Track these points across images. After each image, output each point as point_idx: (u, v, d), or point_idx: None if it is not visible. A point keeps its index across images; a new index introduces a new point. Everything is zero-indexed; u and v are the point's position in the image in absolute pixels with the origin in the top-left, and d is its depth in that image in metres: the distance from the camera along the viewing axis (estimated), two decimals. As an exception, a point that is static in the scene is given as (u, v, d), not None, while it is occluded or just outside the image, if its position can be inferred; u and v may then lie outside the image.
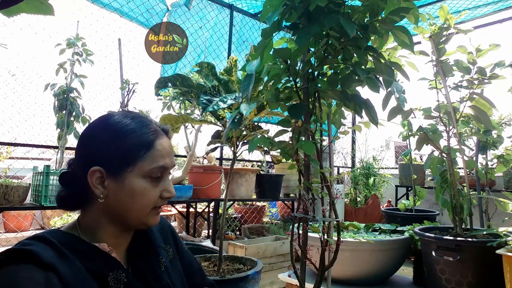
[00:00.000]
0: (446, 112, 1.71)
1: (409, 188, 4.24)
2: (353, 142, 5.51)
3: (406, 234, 1.84)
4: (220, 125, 2.14)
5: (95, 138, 0.79)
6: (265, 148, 2.27)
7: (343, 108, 1.35)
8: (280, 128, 1.26)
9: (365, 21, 1.12)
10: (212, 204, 3.36)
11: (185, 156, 3.40)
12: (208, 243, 2.84)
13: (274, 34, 1.12)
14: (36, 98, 3.12)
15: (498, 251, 1.31)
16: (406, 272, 1.98)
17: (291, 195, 3.82)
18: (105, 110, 3.22)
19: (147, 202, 0.78)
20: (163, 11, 3.69)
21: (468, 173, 1.98)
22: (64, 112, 2.80)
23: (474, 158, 2.66)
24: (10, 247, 0.67)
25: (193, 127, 2.91)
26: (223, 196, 3.11)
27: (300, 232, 1.17)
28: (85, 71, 2.91)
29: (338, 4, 1.08)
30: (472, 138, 2.64)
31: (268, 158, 3.51)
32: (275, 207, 5.03)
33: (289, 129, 1.20)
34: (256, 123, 2.22)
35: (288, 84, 1.23)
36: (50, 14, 1.08)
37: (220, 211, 2.90)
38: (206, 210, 3.65)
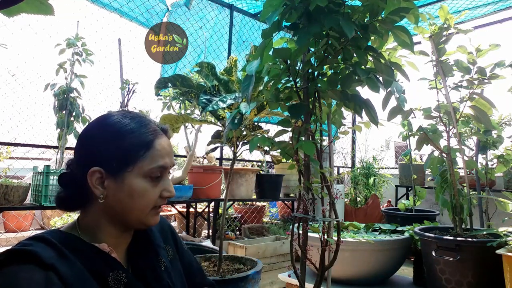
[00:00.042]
0: (446, 112, 1.71)
1: (409, 188, 4.24)
2: (353, 142, 5.51)
3: (406, 234, 1.84)
4: (220, 125, 2.14)
5: (94, 139, 0.79)
6: (265, 148, 2.27)
7: (343, 108, 1.35)
8: (280, 128, 1.26)
9: (365, 21, 1.12)
10: (212, 204, 3.36)
11: (185, 156, 3.40)
12: (208, 243, 2.84)
13: (274, 34, 1.12)
14: (36, 98, 3.13)
15: (498, 251, 1.31)
16: (406, 272, 1.98)
17: (291, 195, 3.82)
18: (105, 110, 3.22)
19: (147, 202, 0.78)
20: (163, 11, 3.69)
21: (468, 173, 1.98)
22: (64, 112, 2.80)
23: (474, 158, 2.66)
24: (10, 247, 0.67)
25: (193, 127, 2.91)
26: (223, 196, 3.11)
27: (300, 232, 1.17)
28: (85, 71, 2.92)
29: (338, 4, 1.08)
30: (472, 138, 2.64)
31: (268, 158, 3.51)
32: (275, 207, 5.03)
33: (289, 129, 1.20)
34: (256, 123, 2.23)
35: (288, 84, 1.23)
36: (50, 14, 1.08)
37: (220, 211, 2.90)
38: (206, 210, 3.65)
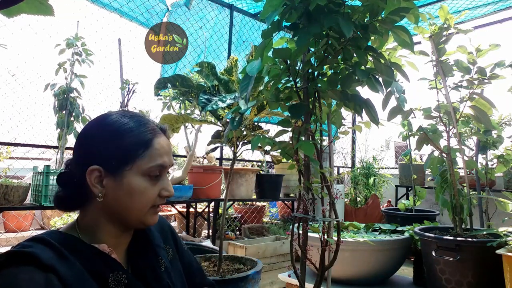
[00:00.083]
0: (446, 112, 1.71)
1: (409, 188, 4.24)
2: (353, 142, 5.51)
3: (406, 234, 1.84)
4: (220, 125, 2.14)
5: (93, 138, 0.79)
6: (265, 148, 2.27)
7: (343, 108, 1.35)
8: (280, 128, 1.26)
9: (365, 21, 1.12)
10: (212, 204, 3.36)
11: (185, 156, 3.40)
12: (208, 243, 2.84)
13: (274, 34, 1.12)
14: (36, 98, 3.13)
15: (498, 251, 1.31)
16: (406, 272, 1.98)
17: (291, 195, 3.82)
18: (105, 110, 3.20)
19: (146, 200, 0.78)
20: (163, 11, 3.69)
21: (468, 173, 1.98)
22: (64, 112, 2.80)
23: (474, 158, 2.66)
24: (9, 248, 0.67)
25: (193, 127, 2.91)
26: (223, 196, 3.11)
27: (300, 232, 1.17)
28: (85, 71, 2.92)
29: (338, 4, 1.08)
30: (472, 138, 2.64)
31: (268, 158, 3.51)
32: (275, 207, 5.03)
33: (289, 129, 1.20)
34: (256, 123, 2.23)
35: (288, 84, 1.22)
36: (50, 14, 1.08)
37: (220, 211, 2.90)
38: (206, 210, 3.65)
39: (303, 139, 1.14)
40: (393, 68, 1.17)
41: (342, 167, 5.48)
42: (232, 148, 2.12)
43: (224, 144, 2.27)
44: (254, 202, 4.35)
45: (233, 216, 4.08)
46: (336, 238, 1.12)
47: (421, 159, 4.91)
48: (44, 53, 3.05)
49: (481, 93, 1.70)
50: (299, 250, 1.15)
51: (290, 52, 1.10)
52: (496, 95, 1.82)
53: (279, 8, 1.08)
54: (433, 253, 1.51)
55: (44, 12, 1.07)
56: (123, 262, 0.81)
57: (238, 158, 2.75)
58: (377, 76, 1.15)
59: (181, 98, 2.69)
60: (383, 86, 1.16)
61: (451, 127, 1.70)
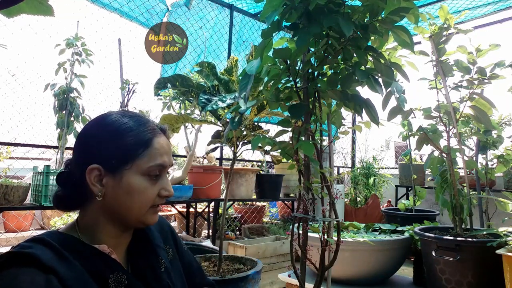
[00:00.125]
0: (446, 112, 1.71)
1: (409, 188, 4.24)
2: (353, 142, 5.52)
3: (406, 234, 1.84)
4: (220, 125, 2.14)
5: (93, 137, 0.79)
6: (265, 148, 2.27)
7: (343, 108, 1.35)
8: (280, 128, 1.26)
9: (365, 21, 1.12)
10: (212, 204, 3.36)
11: (185, 156, 3.40)
12: (208, 243, 2.84)
13: (274, 34, 1.12)
14: (36, 98, 3.13)
15: (498, 251, 1.31)
16: (406, 272, 1.98)
17: (291, 195, 3.82)
18: (105, 110, 3.20)
19: (145, 200, 0.78)
20: (163, 11, 3.69)
21: (468, 173, 1.98)
22: (64, 112, 2.80)
23: (474, 158, 2.66)
24: (10, 249, 0.67)
25: (193, 127, 2.91)
26: (223, 196, 3.11)
27: (300, 232, 1.17)
28: (85, 71, 2.92)
29: (338, 4, 1.08)
30: (472, 138, 2.64)
31: (268, 158, 3.51)
32: (275, 207, 5.03)
33: (289, 129, 1.20)
34: (256, 123, 2.23)
35: (288, 84, 1.22)
36: (50, 15, 1.08)
37: (220, 211, 2.90)
38: (206, 210, 3.65)
39: (303, 139, 1.14)
40: (393, 68, 1.17)
41: (342, 167, 5.48)
42: (232, 148, 2.12)
43: (224, 144, 2.27)
44: (254, 202, 4.35)
45: (233, 216, 4.08)
46: (336, 238, 1.12)
47: (421, 159, 4.91)
48: (44, 53, 3.05)
49: (481, 93, 1.70)
50: (299, 250, 1.15)
51: (290, 52, 1.10)
52: (496, 95, 1.82)
53: (279, 8, 1.08)
54: (433, 253, 1.51)
55: (44, 12, 1.07)
56: (123, 263, 0.81)
57: (238, 158, 2.75)
58: (376, 77, 1.15)
59: (181, 98, 2.69)
60: (382, 86, 1.16)
61: (451, 127, 1.70)
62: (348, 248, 1.61)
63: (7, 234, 3.78)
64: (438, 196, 1.72)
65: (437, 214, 2.96)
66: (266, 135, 2.21)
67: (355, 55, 1.13)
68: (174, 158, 4.17)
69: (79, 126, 2.85)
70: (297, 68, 1.15)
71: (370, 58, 1.15)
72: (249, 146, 2.26)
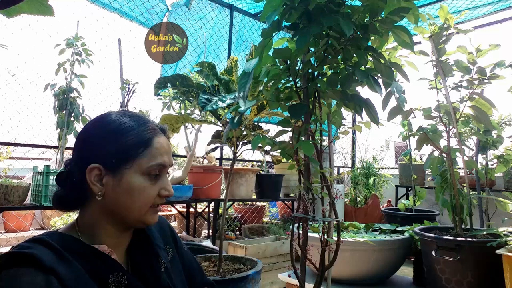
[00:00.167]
0: (446, 112, 1.71)
1: (409, 188, 4.24)
2: (353, 142, 5.52)
3: (406, 234, 1.84)
4: (220, 125, 2.14)
5: (93, 136, 0.79)
6: (265, 148, 2.27)
7: (343, 108, 1.35)
8: (280, 128, 1.26)
9: (365, 21, 1.12)
10: (212, 204, 3.36)
11: (185, 156, 3.40)
12: (208, 243, 2.84)
13: (274, 34, 1.12)
14: (36, 98, 3.13)
15: (498, 251, 1.31)
16: (406, 272, 1.98)
17: (291, 195, 3.82)
18: (105, 110, 3.20)
19: (145, 199, 0.78)
20: (163, 11, 3.69)
21: (468, 173, 1.98)
22: (64, 112, 2.80)
23: (474, 158, 2.66)
24: (9, 250, 0.67)
25: (193, 127, 2.91)
26: (223, 196, 3.11)
27: (300, 232, 1.17)
28: (85, 71, 2.91)
29: (338, 4, 1.08)
30: (472, 138, 2.64)
31: (268, 158, 3.51)
32: (275, 207, 5.03)
33: (289, 129, 1.20)
34: (256, 123, 2.23)
35: (288, 84, 1.23)
36: (50, 15, 1.08)
37: (220, 211, 2.90)
38: (206, 210, 3.65)
39: (303, 139, 1.14)
40: (393, 68, 1.17)
41: (342, 167, 5.48)
42: (232, 148, 2.12)
43: (224, 144, 2.27)
44: (254, 202, 4.35)
45: (233, 216, 4.08)
46: (336, 238, 1.12)
47: (421, 159, 4.90)
48: (44, 53, 3.05)
49: (481, 93, 1.70)
50: (299, 250, 1.16)
51: (290, 52, 1.10)
52: (496, 95, 1.82)
53: (279, 8, 1.08)
54: (433, 253, 1.51)
55: (44, 12, 1.07)
56: (123, 263, 0.81)
57: (238, 158, 2.75)
58: (376, 77, 1.15)
59: (181, 98, 2.69)
60: (382, 86, 1.16)
61: (451, 127, 1.70)
62: (348, 248, 1.61)
63: (7, 234, 3.77)
64: (438, 196, 1.72)
65: (437, 214, 2.96)
66: (266, 135, 2.21)
67: (355, 55, 1.13)
68: (174, 158, 4.17)
69: (79, 126, 2.85)
70: (297, 68, 1.15)
71: (370, 58, 1.15)
72: (249, 146, 2.26)
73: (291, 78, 1.17)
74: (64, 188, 0.80)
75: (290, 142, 1.18)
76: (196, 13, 3.88)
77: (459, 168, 1.77)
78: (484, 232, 1.56)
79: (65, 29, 2.96)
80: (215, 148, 2.50)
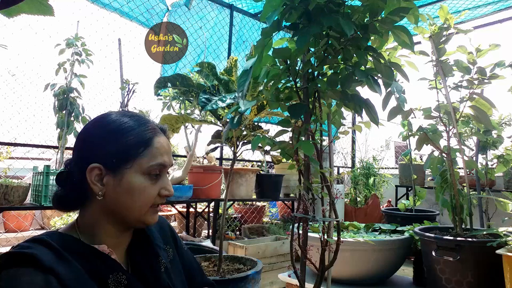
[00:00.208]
0: (446, 112, 1.71)
1: (409, 188, 4.24)
2: (353, 142, 5.52)
3: (406, 234, 1.84)
4: (220, 125, 2.14)
5: (94, 136, 0.79)
6: (265, 148, 2.27)
7: (343, 108, 1.35)
8: (280, 128, 1.26)
9: (365, 21, 1.12)
10: (212, 204, 3.36)
11: (185, 156, 3.40)
12: (208, 243, 2.84)
13: (274, 34, 1.12)
14: (36, 98, 3.13)
15: (498, 251, 1.31)
16: (406, 272, 1.98)
17: (291, 195, 3.82)
18: (105, 110, 3.20)
19: (146, 199, 0.78)
20: (163, 11, 3.69)
21: (468, 173, 1.98)
22: (64, 112, 2.80)
23: (474, 158, 2.66)
24: (9, 249, 0.67)
25: (193, 127, 2.91)
26: (223, 196, 3.11)
27: (300, 232, 1.17)
28: (85, 71, 2.91)
29: (338, 4, 1.08)
30: (472, 138, 2.64)
31: (268, 158, 3.51)
32: (275, 207, 5.03)
33: (289, 129, 1.20)
34: (256, 123, 2.23)
35: (288, 84, 1.23)
36: (50, 14, 1.08)
37: (220, 211, 2.90)
38: (206, 210, 3.65)
39: (303, 139, 1.14)
40: (393, 68, 1.17)
41: (342, 167, 5.48)
42: (232, 148, 2.12)
43: (224, 144, 2.27)
44: (254, 202, 4.35)
45: (233, 216, 4.08)
46: (336, 238, 1.12)
47: (421, 159, 4.90)
48: (44, 53, 3.04)
49: (481, 93, 1.70)
50: (299, 250, 1.16)
51: (290, 52, 1.10)
52: (496, 95, 1.82)
53: (279, 8, 1.08)
54: (433, 253, 1.51)
55: (44, 12, 1.07)
56: (123, 263, 0.81)
57: (238, 158, 2.75)
58: (376, 77, 1.15)
59: (181, 98, 2.69)
60: (382, 86, 1.16)
61: (451, 127, 1.70)
62: (348, 248, 1.61)
63: (7, 234, 3.77)
64: (438, 196, 1.72)
65: (437, 214, 2.96)
66: (266, 135, 2.21)
67: (355, 55, 1.13)
68: (174, 158, 4.17)
69: (79, 126, 2.85)
70: (297, 68, 1.15)
71: (370, 58, 1.15)
72: (249, 146, 2.26)
73: (291, 78, 1.17)
74: (64, 188, 0.80)
75: (290, 142, 1.18)
76: (196, 13, 3.88)
77: (459, 168, 1.77)
78: (484, 232, 1.56)
79: (65, 29, 2.97)
80: (215, 148, 2.50)
